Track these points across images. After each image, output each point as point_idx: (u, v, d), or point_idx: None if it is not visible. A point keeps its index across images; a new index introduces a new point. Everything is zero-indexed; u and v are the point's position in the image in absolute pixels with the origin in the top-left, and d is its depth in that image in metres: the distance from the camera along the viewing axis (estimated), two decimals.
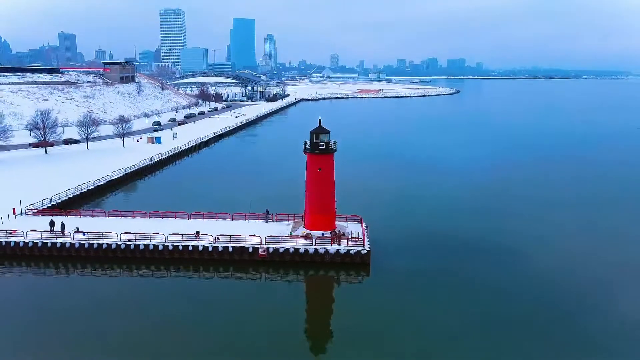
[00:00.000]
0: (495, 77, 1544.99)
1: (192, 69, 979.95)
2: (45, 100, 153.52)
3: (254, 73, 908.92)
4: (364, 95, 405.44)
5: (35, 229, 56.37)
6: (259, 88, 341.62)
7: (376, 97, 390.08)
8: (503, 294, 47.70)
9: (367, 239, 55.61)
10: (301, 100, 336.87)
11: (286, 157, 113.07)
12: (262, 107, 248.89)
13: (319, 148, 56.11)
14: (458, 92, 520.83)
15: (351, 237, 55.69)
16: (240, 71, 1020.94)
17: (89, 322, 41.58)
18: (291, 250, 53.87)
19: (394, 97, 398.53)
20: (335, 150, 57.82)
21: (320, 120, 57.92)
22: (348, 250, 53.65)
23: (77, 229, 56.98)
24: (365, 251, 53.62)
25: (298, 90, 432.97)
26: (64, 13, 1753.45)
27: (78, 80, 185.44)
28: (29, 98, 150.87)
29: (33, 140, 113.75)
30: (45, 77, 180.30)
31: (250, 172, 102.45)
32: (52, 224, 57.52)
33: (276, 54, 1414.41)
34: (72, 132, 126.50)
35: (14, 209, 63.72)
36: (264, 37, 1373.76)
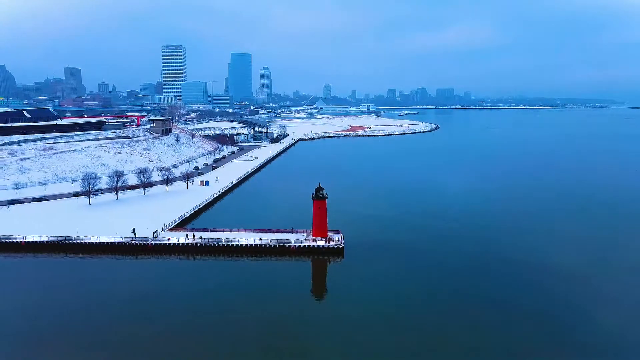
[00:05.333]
0: (482, 107, 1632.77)
1: (193, 100, 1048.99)
2: (119, 153, 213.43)
3: (252, 107, 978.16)
4: (352, 133, 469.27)
5: (182, 237, 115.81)
6: (262, 129, 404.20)
7: (363, 136, 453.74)
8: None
9: (343, 241, 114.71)
10: (299, 140, 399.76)
11: (297, 193, 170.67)
12: (269, 150, 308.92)
13: (319, 197, 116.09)
14: (437, 127, 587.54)
15: (335, 240, 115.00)
16: (238, 103, 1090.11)
17: (215, 278, 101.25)
18: (306, 245, 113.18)
19: (378, 135, 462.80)
20: (327, 197, 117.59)
21: (320, 183, 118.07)
22: (333, 246, 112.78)
23: (201, 237, 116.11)
24: (342, 246, 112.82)
25: (295, 128, 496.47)
26: (69, 47, 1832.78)
27: (134, 134, 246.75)
28: (108, 152, 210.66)
29: (128, 183, 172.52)
30: (112, 133, 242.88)
31: (277, 204, 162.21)
32: (187, 236, 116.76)
33: (271, 86, 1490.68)
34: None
35: (161, 228, 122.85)
36: (259, 70, 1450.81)
